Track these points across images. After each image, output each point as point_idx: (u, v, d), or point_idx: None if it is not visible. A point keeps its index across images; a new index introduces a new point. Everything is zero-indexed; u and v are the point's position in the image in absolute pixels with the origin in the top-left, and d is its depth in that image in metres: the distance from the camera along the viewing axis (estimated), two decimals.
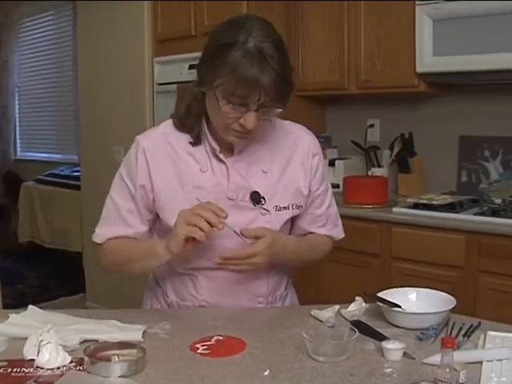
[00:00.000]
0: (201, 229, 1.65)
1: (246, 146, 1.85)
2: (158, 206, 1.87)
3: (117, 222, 1.90)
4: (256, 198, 1.85)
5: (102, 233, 1.93)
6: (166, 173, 1.85)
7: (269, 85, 1.61)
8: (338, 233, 2.12)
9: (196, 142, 1.86)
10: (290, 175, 1.92)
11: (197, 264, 1.87)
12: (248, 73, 1.60)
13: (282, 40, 1.73)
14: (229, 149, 1.85)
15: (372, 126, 4.34)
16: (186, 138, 1.87)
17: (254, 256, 1.73)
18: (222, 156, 1.84)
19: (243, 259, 1.74)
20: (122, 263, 1.94)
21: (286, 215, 1.91)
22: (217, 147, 1.84)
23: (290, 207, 1.91)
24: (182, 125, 1.88)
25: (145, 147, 1.86)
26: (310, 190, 1.96)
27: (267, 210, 1.86)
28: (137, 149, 1.88)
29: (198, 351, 1.57)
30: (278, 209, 1.88)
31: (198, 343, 1.62)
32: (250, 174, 1.86)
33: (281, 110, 1.73)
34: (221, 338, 1.66)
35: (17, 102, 8.04)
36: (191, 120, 1.85)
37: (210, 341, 1.64)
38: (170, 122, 1.92)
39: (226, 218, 1.68)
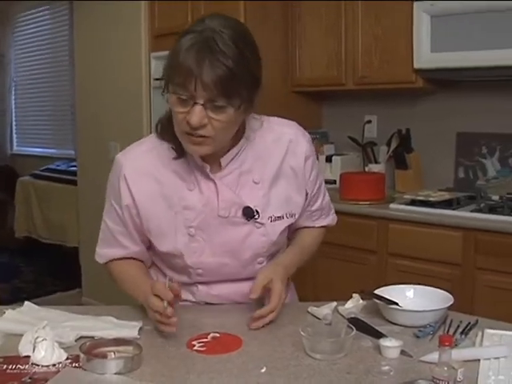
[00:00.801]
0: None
1: (209, 153, 1.69)
2: (146, 230, 1.81)
3: (112, 244, 1.88)
4: (249, 214, 1.78)
5: (102, 254, 1.91)
6: (150, 195, 1.78)
7: (211, 78, 1.52)
8: (331, 220, 2.08)
9: (179, 154, 1.76)
10: (282, 183, 1.85)
11: (196, 279, 1.85)
12: (184, 59, 1.54)
13: (247, 33, 1.64)
14: (216, 162, 1.77)
15: (369, 121, 4.33)
16: (169, 154, 1.77)
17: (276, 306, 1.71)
18: (210, 173, 1.76)
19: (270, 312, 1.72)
20: (126, 292, 1.91)
21: (282, 225, 1.85)
22: (205, 164, 1.75)
23: (285, 216, 1.85)
24: (164, 131, 1.78)
25: (125, 173, 1.77)
26: (306, 194, 1.91)
27: (261, 224, 1.81)
28: (118, 174, 1.79)
29: (195, 348, 1.57)
30: (273, 219, 1.82)
31: (194, 340, 1.61)
32: (240, 186, 1.79)
33: (233, 110, 1.59)
34: (217, 335, 1.66)
35: (13, 97, 8.03)
36: (172, 128, 1.70)
37: (206, 338, 1.63)
38: (152, 137, 1.84)
39: (171, 299, 1.58)
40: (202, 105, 1.56)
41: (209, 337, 1.64)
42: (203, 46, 1.53)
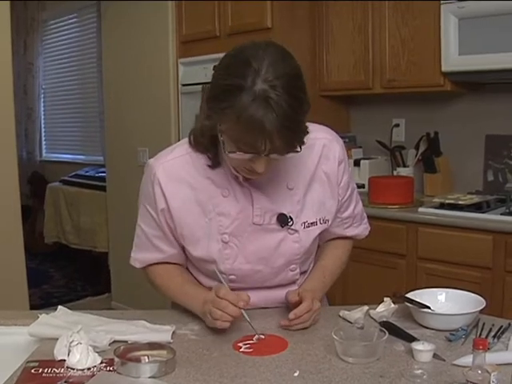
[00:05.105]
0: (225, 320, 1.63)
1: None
2: (179, 235, 1.82)
3: (149, 249, 1.88)
4: (283, 220, 1.78)
5: (139, 258, 1.91)
6: (184, 201, 1.77)
7: (275, 132, 1.48)
8: (363, 230, 2.06)
9: (214, 164, 1.77)
10: (316, 189, 1.85)
11: (228, 285, 1.82)
12: (254, 122, 1.47)
13: (298, 74, 1.58)
14: None
15: (397, 125, 4.32)
16: (203, 161, 1.78)
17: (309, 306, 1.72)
18: (244, 182, 1.76)
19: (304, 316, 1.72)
20: (171, 298, 1.94)
21: (315, 231, 1.86)
22: (239, 174, 1.73)
23: (318, 222, 1.85)
24: (197, 143, 1.77)
25: (159, 179, 1.76)
26: (338, 200, 1.89)
27: (295, 230, 1.81)
28: (151, 179, 1.78)
29: (241, 350, 1.60)
30: (307, 225, 1.82)
31: (240, 342, 1.64)
32: (274, 193, 1.79)
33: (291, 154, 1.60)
34: (262, 336, 1.67)
35: (42, 104, 8.09)
36: (206, 140, 1.72)
37: (251, 339, 1.66)
38: (184, 142, 1.82)
39: (244, 305, 1.63)
40: (266, 155, 1.55)
41: (254, 338, 1.66)
42: (263, 103, 1.47)
